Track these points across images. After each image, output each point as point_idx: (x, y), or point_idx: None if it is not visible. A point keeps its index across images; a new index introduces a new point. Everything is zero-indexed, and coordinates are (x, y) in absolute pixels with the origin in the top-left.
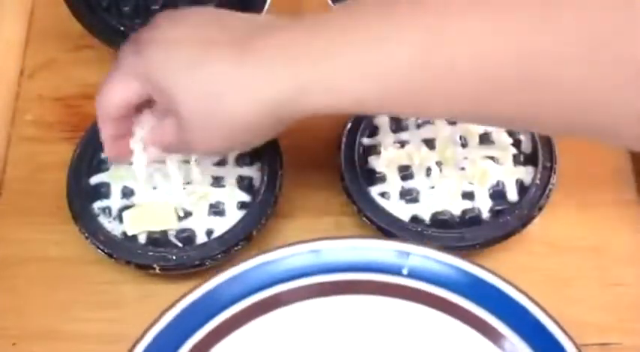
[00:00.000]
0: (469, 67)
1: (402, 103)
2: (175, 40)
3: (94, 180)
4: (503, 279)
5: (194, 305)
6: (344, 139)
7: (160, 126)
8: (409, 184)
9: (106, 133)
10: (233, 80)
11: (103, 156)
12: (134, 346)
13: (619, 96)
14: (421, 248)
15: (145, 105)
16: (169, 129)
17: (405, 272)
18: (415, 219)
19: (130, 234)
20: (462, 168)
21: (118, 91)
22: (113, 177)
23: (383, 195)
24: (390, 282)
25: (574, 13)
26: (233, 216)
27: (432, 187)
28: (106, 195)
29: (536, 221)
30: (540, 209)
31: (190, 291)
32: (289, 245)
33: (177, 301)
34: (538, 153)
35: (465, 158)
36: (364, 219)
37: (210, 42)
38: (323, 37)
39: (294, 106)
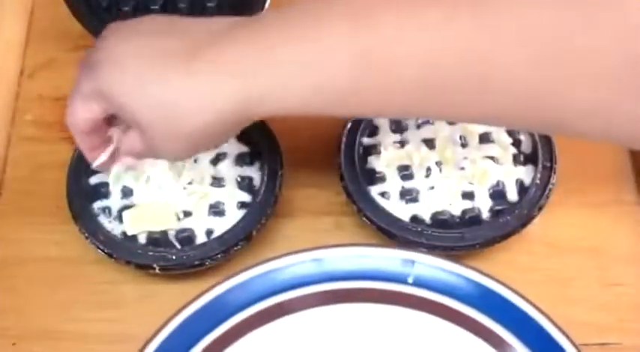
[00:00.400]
0: (406, 67)
1: (346, 104)
2: (124, 57)
3: (94, 180)
4: (509, 288)
5: (197, 313)
6: (344, 139)
7: (128, 136)
8: (409, 184)
9: (82, 147)
10: (183, 91)
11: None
12: None
13: (569, 92)
14: (426, 256)
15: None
16: (136, 138)
17: (410, 280)
18: (415, 219)
19: (129, 234)
20: (462, 168)
21: (80, 113)
22: (113, 177)
23: (383, 195)
24: (395, 290)
25: (512, 12)
26: (233, 216)
27: (432, 187)
28: (106, 195)
29: (536, 221)
30: (540, 209)
31: (194, 300)
32: (294, 253)
33: (180, 311)
34: (538, 153)
35: (465, 158)
36: (364, 219)
37: (158, 55)
38: (264, 44)
39: (245, 113)
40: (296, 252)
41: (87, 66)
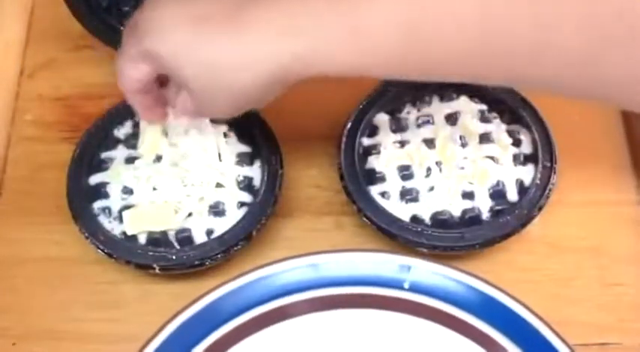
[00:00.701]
0: (451, 29)
1: (391, 68)
2: (171, 18)
3: (94, 180)
4: (506, 293)
5: (193, 318)
6: (344, 139)
7: (180, 96)
8: (409, 184)
9: (137, 106)
10: (229, 48)
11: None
12: None
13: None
14: (423, 261)
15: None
16: (187, 98)
17: (406, 286)
18: (415, 219)
19: (129, 233)
20: (462, 168)
21: (131, 74)
22: (113, 177)
23: (383, 195)
24: (391, 296)
25: None
26: (233, 216)
27: (432, 187)
28: (106, 195)
29: (536, 221)
30: (540, 209)
31: (189, 305)
32: (290, 258)
33: (175, 316)
34: (538, 153)
35: (465, 158)
36: (364, 219)
37: (202, 17)
38: (312, 4)
39: (291, 71)
40: (292, 258)
41: (132, 29)
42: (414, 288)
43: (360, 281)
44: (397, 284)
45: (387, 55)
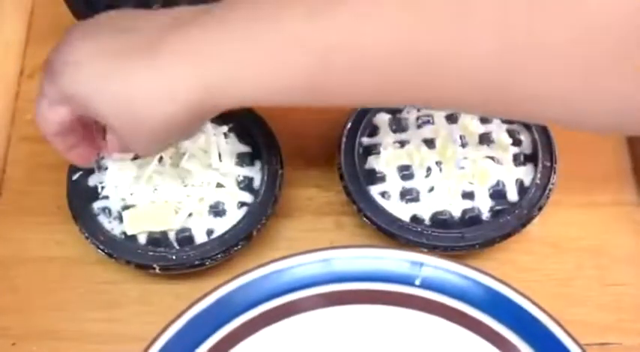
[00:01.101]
0: (366, 58)
1: (307, 96)
2: (86, 56)
3: (94, 180)
4: (518, 291)
5: (204, 312)
6: (344, 139)
7: (109, 132)
8: (409, 184)
9: (59, 148)
10: (145, 84)
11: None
12: None
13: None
14: (434, 258)
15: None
16: (114, 141)
17: (417, 282)
18: (415, 219)
19: (129, 233)
20: (462, 168)
21: (49, 117)
22: (113, 177)
23: (383, 195)
24: (402, 292)
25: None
26: (233, 216)
27: (432, 187)
28: (106, 195)
29: (536, 221)
30: (540, 209)
31: (200, 299)
32: (301, 253)
33: (187, 310)
34: (538, 153)
35: (465, 158)
36: (364, 219)
37: (120, 50)
38: (224, 33)
39: (208, 103)
40: (304, 253)
41: (49, 70)
42: (426, 285)
43: (371, 277)
44: (409, 281)
45: (299, 80)
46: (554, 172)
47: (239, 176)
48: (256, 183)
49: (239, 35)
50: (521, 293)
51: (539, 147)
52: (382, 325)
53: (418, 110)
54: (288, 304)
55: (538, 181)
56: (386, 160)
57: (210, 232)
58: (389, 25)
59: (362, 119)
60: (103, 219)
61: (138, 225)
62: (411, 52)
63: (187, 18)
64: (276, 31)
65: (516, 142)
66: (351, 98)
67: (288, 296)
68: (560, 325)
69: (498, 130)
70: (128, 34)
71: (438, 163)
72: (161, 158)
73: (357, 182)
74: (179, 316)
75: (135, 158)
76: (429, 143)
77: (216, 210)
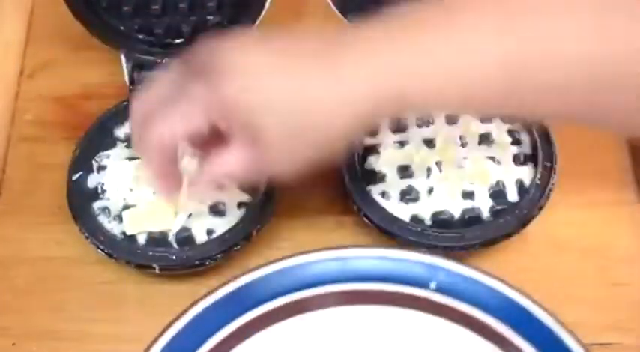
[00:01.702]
0: (540, 66)
1: (484, 103)
2: (254, 66)
3: (94, 180)
4: (534, 301)
5: (216, 305)
6: None
7: (220, 156)
8: (409, 184)
9: (158, 168)
10: (321, 95)
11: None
12: (152, 343)
13: None
14: (450, 262)
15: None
16: (234, 157)
17: (432, 286)
18: (415, 219)
19: (129, 233)
20: (462, 168)
21: (184, 125)
22: (113, 177)
23: (383, 195)
24: (416, 295)
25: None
26: (233, 216)
27: (432, 187)
28: (106, 195)
29: (536, 221)
30: (540, 209)
31: (212, 291)
32: (317, 250)
33: (198, 301)
34: (538, 153)
35: (465, 158)
36: (364, 219)
37: (289, 63)
38: (402, 46)
39: (383, 113)
40: (319, 250)
41: (202, 75)
42: (440, 289)
43: (385, 278)
44: (423, 284)
45: (487, 94)
46: (554, 172)
47: None
48: (256, 183)
49: (417, 48)
50: (539, 304)
51: (539, 147)
52: (394, 326)
53: None
54: (300, 301)
55: (538, 181)
56: (386, 160)
57: (210, 232)
58: (576, 32)
59: None
60: (103, 219)
61: (138, 225)
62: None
63: (355, 31)
64: (460, 44)
65: (516, 142)
66: (536, 109)
67: (300, 293)
68: (574, 336)
69: (498, 130)
70: (291, 47)
71: (438, 163)
72: None
73: (357, 182)
74: (191, 306)
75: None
76: (429, 143)
77: (216, 210)
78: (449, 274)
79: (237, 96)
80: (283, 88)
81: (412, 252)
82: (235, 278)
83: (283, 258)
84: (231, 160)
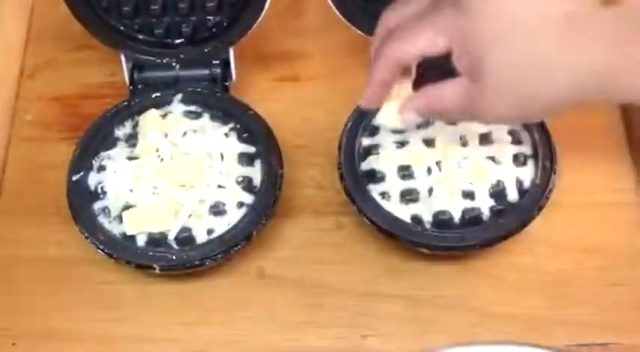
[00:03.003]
0: None
1: None
2: (503, 3)
3: (94, 180)
4: None
5: None
6: (344, 139)
7: (436, 89)
8: (409, 184)
9: (380, 78)
10: (552, 56)
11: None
12: None
13: None
14: None
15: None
16: (452, 93)
17: None
18: (415, 219)
19: (129, 234)
20: (462, 168)
21: (422, 43)
22: (113, 177)
23: (383, 195)
24: None
25: None
26: (233, 216)
27: (432, 187)
28: (106, 195)
29: (536, 221)
30: (540, 209)
31: None
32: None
33: None
34: (538, 153)
35: (465, 158)
36: (364, 219)
37: (532, 14)
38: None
39: (595, 88)
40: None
41: (453, 3)
42: None
43: None
44: None
45: None
46: (554, 172)
47: (239, 176)
48: (256, 183)
49: None
50: None
51: (539, 147)
52: None
53: None
54: None
55: (538, 181)
56: (386, 160)
57: (210, 232)
58: None
59: (362, 119)
60: (103, 219)
61: (138, 226)
62: None
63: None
64: None
65: (516, 142)
66: None
67: None
68: None
69: (498, 130)
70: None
71: (438, 163)
72: (161, 158)
73: (357, 182)
74: None
75: None
76: (429, 143)
77: (216, 210)
78: None
79: (475, 27)
80: (516, 37)
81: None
82: None
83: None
84: (449, 95)
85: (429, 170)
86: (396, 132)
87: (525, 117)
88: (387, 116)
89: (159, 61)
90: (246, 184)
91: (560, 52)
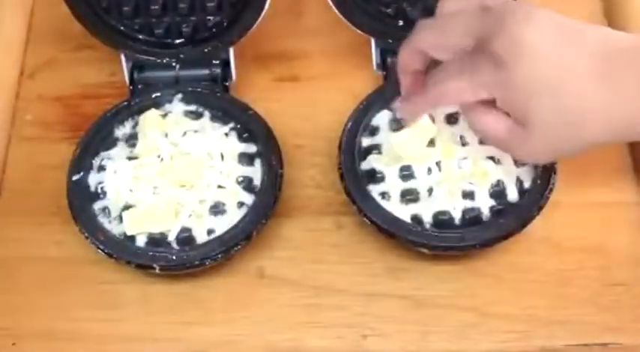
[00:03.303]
0: None
1: None
2: (539, 57)
3: (94, 180)
4: None
5: None
6: (344, 139)
7: (483, 110)
8: (409, 184)
9: (424, 110)
10: (591, 103)
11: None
12: None
13: None
14: None
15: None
16: (494, 126)
17: None
18: (415, 219)
19: (129, 234)
20: (462, 168)
21: (464, 95)
22: (113, 177)
23: (383, 195)
24: None
25: None
26: (233, 215)
27: (432, 187)
28: (106, 195)
29: (536, 221)
30: (540, 209)
31: None
32: None
33: None
34: None
35: (465, 158)
36: (364, 219)
37: (569, 62)
38: None
39: (623, 136)
40: None
41: (487, 53)
42: None
43: None
44: None
45: None
46: (554, 172)
47: (239, 176)
48: (256, 183)
49: None
50: None
51: None
52: None
53: None
54: None
55: (538, 181)
56: (386, 160)
57: (210, 232)
58: None
59: (362, 119)
60: (103, 219)
61: (138, 226)
62: None
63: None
64: None
65: None
66: None
67: None
68: None
69: None
70: (573, 45)
71: (438, 163)
72: (161, 158)
73: (357, 182)
74: None
75: None
76: (429, 143)
77: (217, 210)
78: None
79: (518, 81)
80: (558, 85)
81: None
82: None
83: None
84: (491, 121)
85: (429, 170)
86: (396, 131)
87: (558, 157)
88: (405, 141)
89: (159, 61)
90: (247, 184)
91: (597, 94)
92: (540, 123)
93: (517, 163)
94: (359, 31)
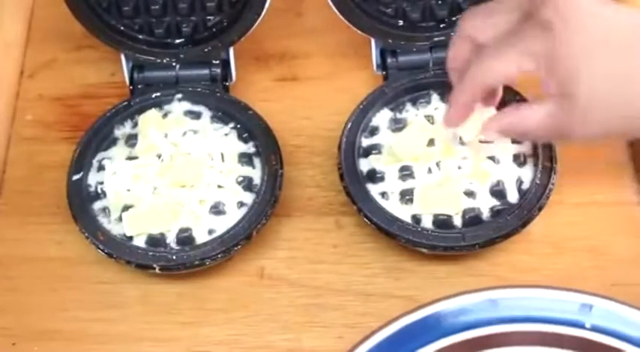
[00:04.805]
0: None
1: None
2: (587, 17)
3: (94, 180)
4: None
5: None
6: (344, 139)
7: (518, 110)
8: (409, 184)
9: (465, 100)
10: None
11: (444, 123)
12: None
13: None
14: (605, 301)
15: None
16: (536, 115)
17: (588, 325)
18: (415, 219)
19: (129, 234)
20: (462, 168)
21: (509, 69)
22: (113, 177)
23: (383, 195)
24: (571, 335)
25: None
26: (233, 215)
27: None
28: (106, 196)
29: (536, 221)
30: (540, 209)
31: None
32: (465, 293)
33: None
34: (538, 153)
35: (465, 158)
36: (364, 219)
37: (616, 24)
38: None
39: None
40: (468, 292)
41: (539, 23)
42: (596, 328)
43: (538, 319)
44: (578, 324)
45: None
46: (554, 172)
47: (239, 176)
48: (256, 183)
49: None
50: None
51: (539, 147)
52: None
53: (418, 110)
54: (453, 345)
55: (538, 181)
56: (386, 160)
57: (210, 232)
58: None
59: (362, 119)
60: (103, 219)
61: (137, 226)
62: None
63: None
64: None
65: (516, 142)
66: None
67: (453, 337)
68: None
69: None
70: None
71: (438, 163)
72: (161, 157)
73: (357, 182)
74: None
75: None
76: (429, 143)
77: (217, 210)
78: (604, 312)
79: (567, 49)
80: (610, 55)
81: (564, 291)
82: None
83: (432, 301)
84: (532, 117)
85: (429, 170)
86: (396, 131)
87: (611, 131)
88: (467, 130)
89: (159, 61)
90: (246, 184)
91: None
92: (587, 90)
93: (517, 163)
94: (359, 31)
